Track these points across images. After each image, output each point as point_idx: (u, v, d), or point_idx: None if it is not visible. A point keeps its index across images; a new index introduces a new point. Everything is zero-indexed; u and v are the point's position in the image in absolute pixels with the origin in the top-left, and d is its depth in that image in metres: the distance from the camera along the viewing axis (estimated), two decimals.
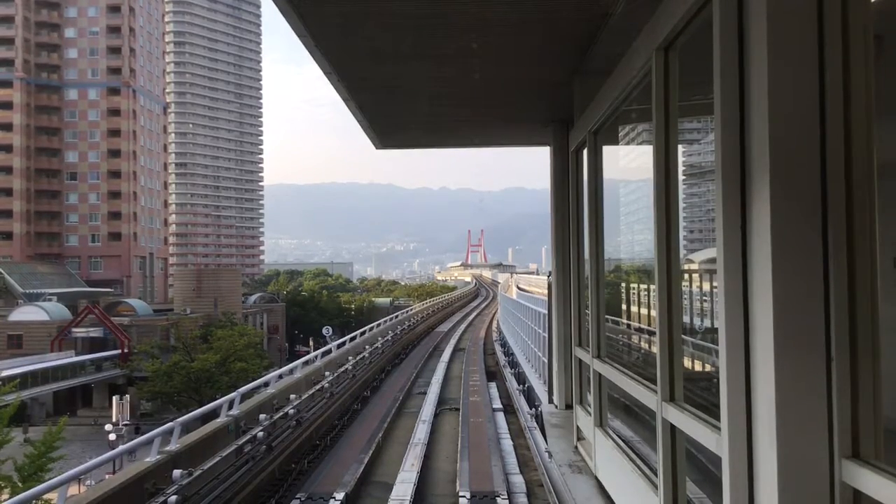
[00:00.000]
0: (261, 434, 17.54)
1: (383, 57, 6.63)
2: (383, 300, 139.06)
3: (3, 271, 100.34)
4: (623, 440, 5.57)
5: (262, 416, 18.47)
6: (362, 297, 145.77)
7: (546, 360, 15.89)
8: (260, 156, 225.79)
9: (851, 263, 2.54)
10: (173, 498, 12.77)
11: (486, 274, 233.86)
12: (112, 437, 42.19)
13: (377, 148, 10.85)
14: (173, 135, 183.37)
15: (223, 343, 67.29)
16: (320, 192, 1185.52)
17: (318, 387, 24.66)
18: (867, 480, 2.35)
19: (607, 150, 6.30)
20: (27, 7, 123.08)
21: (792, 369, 2.63)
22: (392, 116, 9.46)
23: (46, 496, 11.69)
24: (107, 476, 21.66)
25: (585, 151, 6.76)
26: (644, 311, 5.37)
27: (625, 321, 6.13)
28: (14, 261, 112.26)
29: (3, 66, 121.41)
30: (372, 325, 46.10)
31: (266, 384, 22.41)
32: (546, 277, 20.38)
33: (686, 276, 4.15)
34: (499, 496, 14.65)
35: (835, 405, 2.53)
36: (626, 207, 5.96)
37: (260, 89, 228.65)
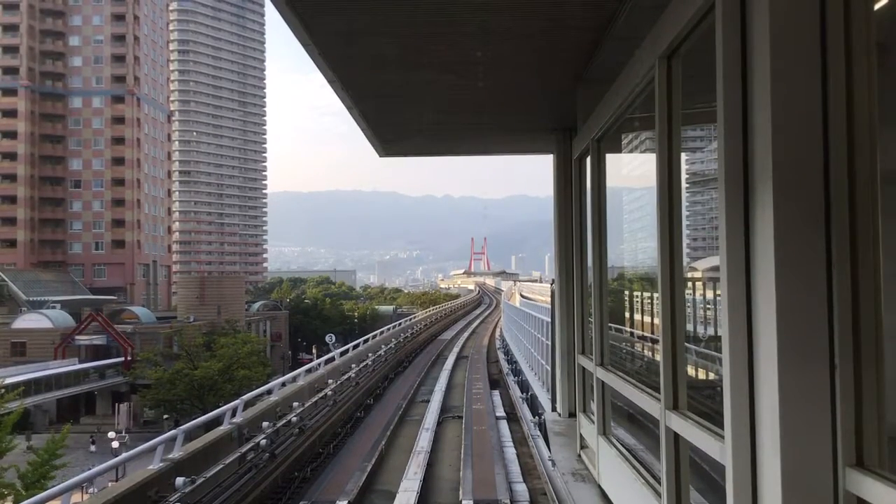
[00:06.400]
0: (264, 442, 17.53)
1: (387, 65, 6.65)
2: (386, 308, 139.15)
3: (6, 279, 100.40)
4: (626, 448, 5.56)
5: (265, 424, 18.45)
6: (365, 304, 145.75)
7: (549, 368, 15.87)
8: (263, 164, 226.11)
9: (855, 271, 2.54)
10: None
11: (490, 282, 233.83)
12: (115, 444, 42.19)
13: (381, 156, 10.88)
14: (177, 143, 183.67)
15: (226, 350, 67.32)
16: (324, 200, 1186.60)
17: (321, 395, 24.65)
18: (871, 489, 2.34)
19: (610, 158, 6.31)
20: (32, 15, 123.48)
21: (795, 377, 2.63)
22: (395, 124, 9.48)
23: (50, 503, 11.66)
24: (110, 484, 21.66)
25: (588, 159, 6.77)
26: (647, 318, 5.37)
27: (628, 329, 6.13)
28: (18, 268, 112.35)
29: (7, 74, 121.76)
30: (375, 332, 46.09)
31: (269, 392, 22.41)
32: (549, 285, 20.35)
33: (689, 283, 4.15)
34: None
35: (838, 413, 2.53)
36: (630, 215, 5.97)
37: (264, 97, 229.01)
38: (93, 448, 48.45)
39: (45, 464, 31.12)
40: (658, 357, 4.20)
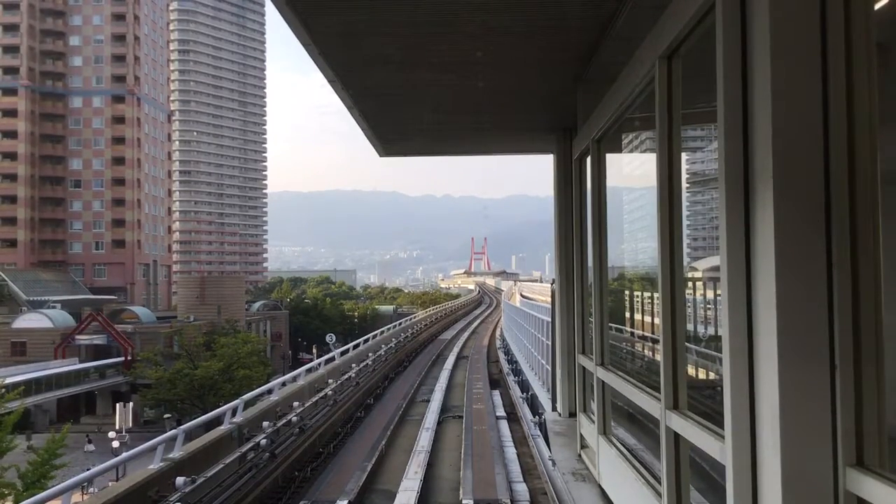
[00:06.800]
0: (264, 441, 17.53)
1: (387, 65, 6.65)
2: (387, 308, 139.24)
3: (7, 279, 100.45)
4: (627, 448, 5.56)
5: (265, 424, 18.46)
6: (366, 304, 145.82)
7: (549, 368, 15.87)
8: (264, 163, 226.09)
9: (855, 270, 2.54)
10: None
11: (490, 282, 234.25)
12: (115, 444, 42.18)
13: (381, 155, 10.88)
14: (177, 142, 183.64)
15: (227, 350, 67.25)
16: (324, 200, 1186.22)
17: (321, 394, 24.66)
18: (871, 488, 2.34)
19: (610, 158, 6.31)
20: (32, 15, 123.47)
21: (795, 377, 2.63)
22: (396, 124, 9.49)
23: (50, 503, 11.67)
24: (110, 483, 21.65)
25: (589, 159, 6.77)
26: (647, 318, 5.37)
27: (628, 329, 6.13)
28: (18, 268, 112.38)
29: (7, 73, 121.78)
30: (375, 332, 46.09)
31: (269, 391, 22.41)
32: (549, 285, 20.34)
33: (689, 283, 4.15)
34: None
35: (839, 413, 2.53)
36: (630, 215, 5.97)
37: (264, 97, 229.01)
38: (89, 447, 48.44)
39: (45, 463, 31.12)
40: (658, 357, 4.20)
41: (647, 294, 5.45)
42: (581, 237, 7.43)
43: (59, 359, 75.12)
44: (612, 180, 6.31)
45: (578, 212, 7.60)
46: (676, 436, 3.91)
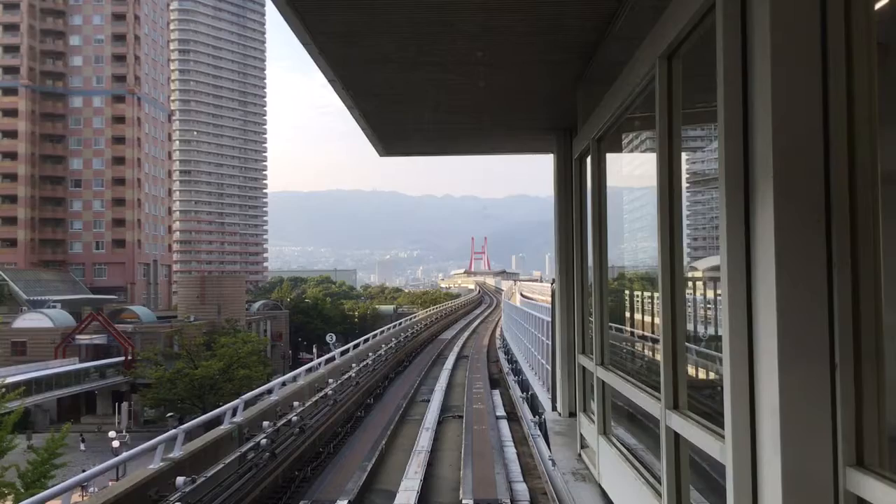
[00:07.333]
0: (264, 441, 17.53)
1: (387, 65, 6.65)
2: (387, 307, 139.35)
3: (7, 278, 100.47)
4: (627, 448, 5.55)
5: (265, 424, 18.45)
6: (366, 304, 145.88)
7: (549, 368, 15.87)
8: (264, 163, 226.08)
9: (855, 270, 2.54)
10: None
11: (490, 281, 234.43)
12: (116, 443, 42.22)
13: (381, 155, 10.88)
14: (177, 142, 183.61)
15: (227, 350, 67.29)
16: (324, 200, 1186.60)
17: (321, 394, 24.66)
18: (871, 488, 2.34)
19: (611, 158, 6.31)
20: (32, 15, 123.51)
21: (796, 377, 2.63)
22: (396, 124, 9.49)
23: (50, 503, 11.67)
24: (110, 483, 21.66)
25: (589, 159, 6.77)
26: (647, 318, 5.37)
27: (628, 329, 6.13)
28: (18, 268, 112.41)
29: (8, 73, 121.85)
30: (375, 332, 46.09)
31: (270, 391, 22.41)
32: (549, 285, 20.35)
33: (689, 283, 4.15)
34: None
35: (839, 413, 2.53)
36: (630, 215, 5.96)
37: (264, 97, 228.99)
38: (83, 447, 48.52)
39: (45, 463, 31.15)
40: (658, 357, 4.20)
41: (647, 294, 5.45)
42: (581, 237, 7.43)
43: (60, 358, 75.07)
44: (612, 180, 6.30)
45: (578, 212, 7.59)
46: (676, 436, 3.91)
